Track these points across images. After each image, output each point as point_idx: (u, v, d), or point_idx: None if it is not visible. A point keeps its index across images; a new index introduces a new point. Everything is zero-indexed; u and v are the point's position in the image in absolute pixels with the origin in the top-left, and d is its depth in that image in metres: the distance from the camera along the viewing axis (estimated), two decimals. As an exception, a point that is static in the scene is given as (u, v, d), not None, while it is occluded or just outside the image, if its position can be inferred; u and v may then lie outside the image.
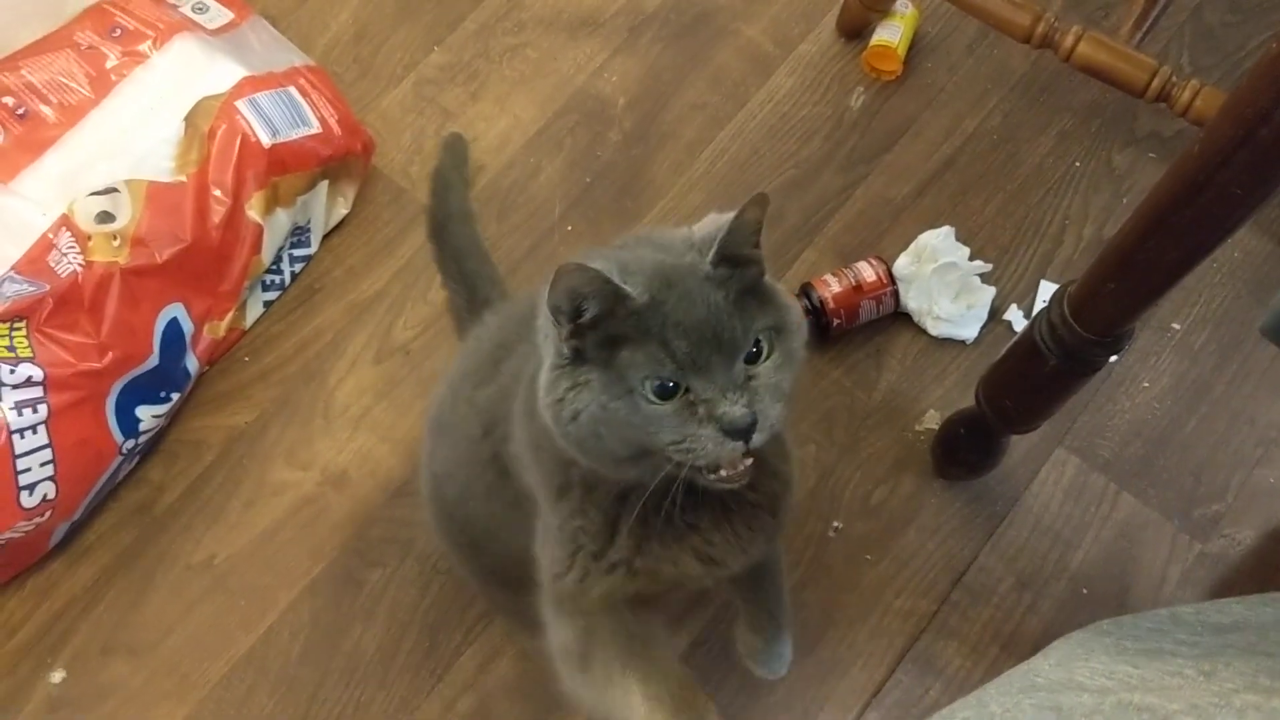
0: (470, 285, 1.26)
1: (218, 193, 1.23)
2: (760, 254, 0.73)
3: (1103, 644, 0.55)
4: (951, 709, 0.56)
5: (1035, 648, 1.21)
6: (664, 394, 0.69)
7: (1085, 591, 1.23)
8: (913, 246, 1.35)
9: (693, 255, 0.72)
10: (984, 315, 1.33)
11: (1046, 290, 1.36)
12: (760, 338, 0.71)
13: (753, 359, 0.71)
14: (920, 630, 1.22)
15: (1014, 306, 1.35)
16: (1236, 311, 1.37)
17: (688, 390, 0.69)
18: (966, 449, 1.22)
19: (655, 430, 0.69)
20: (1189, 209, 0.79)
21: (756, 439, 0.69)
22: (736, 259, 0.71)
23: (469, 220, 1.33)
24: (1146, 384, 1.33)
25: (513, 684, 1.20)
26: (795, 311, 0.75)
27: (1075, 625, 1.23)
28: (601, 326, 0.69)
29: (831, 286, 1.31)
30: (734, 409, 0.68)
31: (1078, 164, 1.45)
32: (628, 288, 0.67)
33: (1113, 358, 1.01)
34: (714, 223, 0.74)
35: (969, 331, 1.33)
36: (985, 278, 1.35)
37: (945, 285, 1.31)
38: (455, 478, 1.00)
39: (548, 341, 0.74)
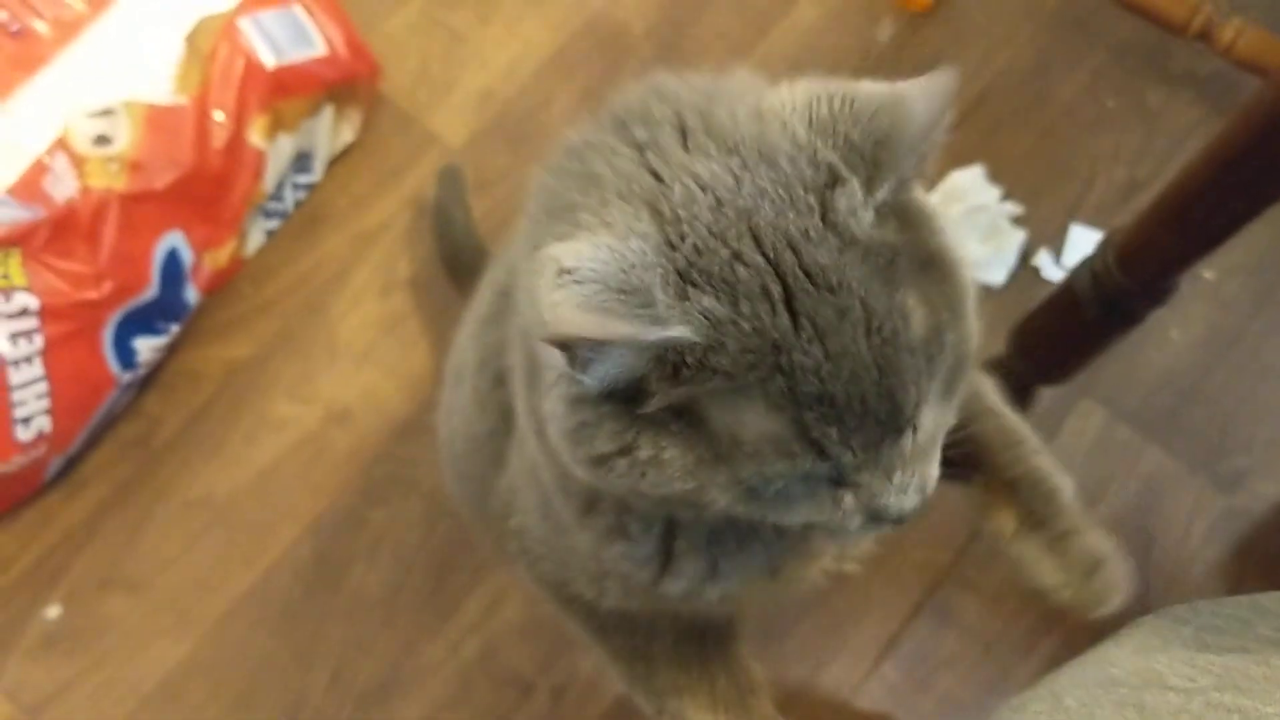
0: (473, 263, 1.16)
1: (219, 116, 1.18)
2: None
3: (1180, 634, 0.52)
4: (1023, 699, 0.53)
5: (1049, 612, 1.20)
6: (796, 489, 0.46)
7: (1108, 545, 1.21)
8: (942, 186, 1.30)
9: (823, 194, 0.43)
10: (1013, 259, 1.29)
11: (1076, 235, 1.31)
12: (933, 362, 0.45)
13: (923, 402, 0.46)
14: (938, 581, 1.19)
15: (1043, 251, 1.31)
16: (1271, 261, 1.33)
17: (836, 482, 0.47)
18: (994, 399, 1.19)
19: (768, 516, 0.49)
20: (1258, 157, 0.74)
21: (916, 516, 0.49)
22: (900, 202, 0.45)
23: (479, 250, 1.21)
24: (1175, 334, 1.29)
25: (520, 627, 1.17)
26: (968, 278, 0.50)
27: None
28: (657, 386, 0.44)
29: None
30: (902, 500, 0.47)
31: (1110, 103, 1.40)
32: (685, 332, 0.41)
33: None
34: (833, 99, 0.46)
35: (997, 276, 1.29)
36: (1015, 221, 1.31)
37: (974, 227, 1.27)
38: (464, 432, 0.87)
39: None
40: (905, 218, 0.46)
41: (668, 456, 0.44)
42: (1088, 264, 0.95)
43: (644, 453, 0.44)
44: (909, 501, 0.46)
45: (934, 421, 0.48)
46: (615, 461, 0.45)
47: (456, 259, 1.24)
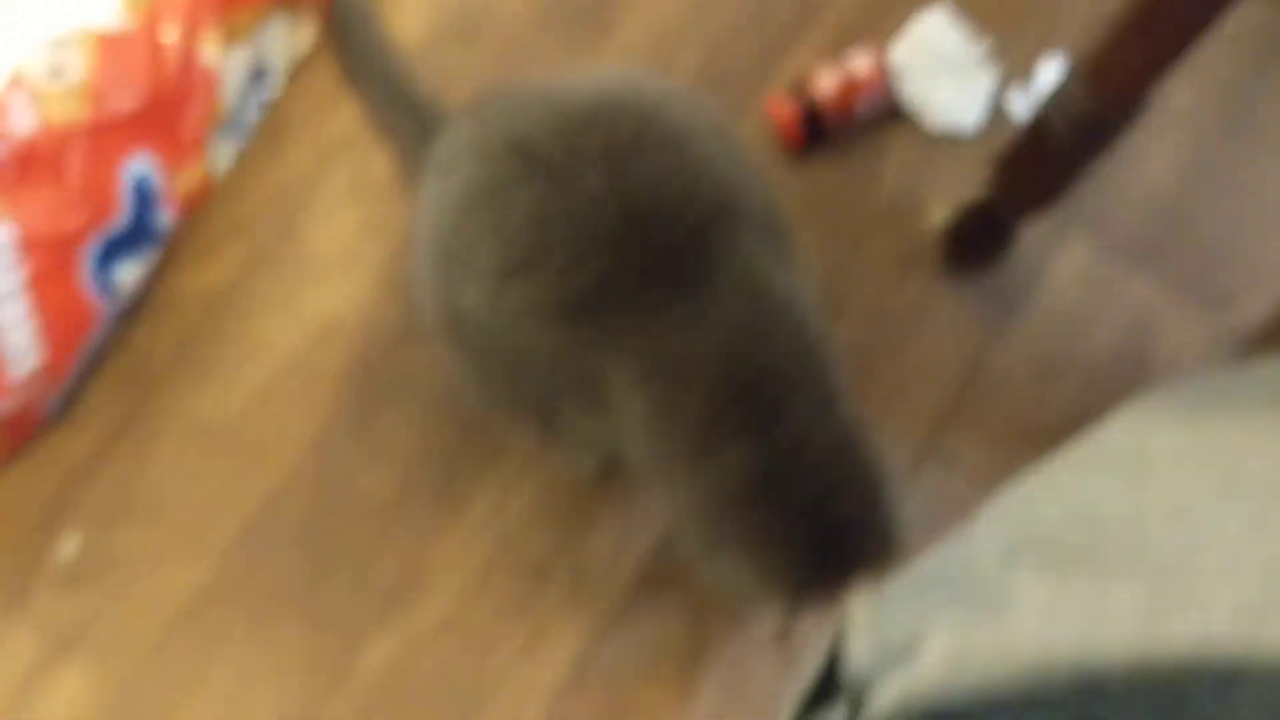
0: (421, 121, 1.10)
1: (170, 36, 1.16)
2: None
3: (1169, 405, 0.53)
4: (1028, 477, 0.54)
5: (1057, 434, 1.21)
6: None
7: (1102, 376, 1.22)
8: (909, 31, 1.29)
9: None
10: (985, 103, 1.28)
11: (1047, 72, 1.30)
12: None
13: None
14: (938, 427, 1.21)
15: (1014, 94, 1.30)
16: (1240, 82, 1.33)
17: None
18: (977, 239, 1.20)
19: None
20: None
21: None
22: None
23: (389, 49, 1.14)
24: (1154, 163, 1.29)
25: (534, 513, 1.19)
26: None
27: (1095, 411, 1.23)
28: None
29: (825, 86, 1.25)
30: None
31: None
32: None
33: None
34: None
35: (970, 122, 1.28)
36: (983, 62, 1.30)
37: (944, 73, 1.26)
38: (491, 327, 0.89)
39: None
40: None
41: None
42: (1058, 91, 0.94)
43: None
44: None
45: None
46: None
47: (364, 64, 1.16)
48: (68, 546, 1.19)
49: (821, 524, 0.78)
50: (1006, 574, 0.45)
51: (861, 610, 0.55)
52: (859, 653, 0.50)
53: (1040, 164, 1.02)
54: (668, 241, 0.79)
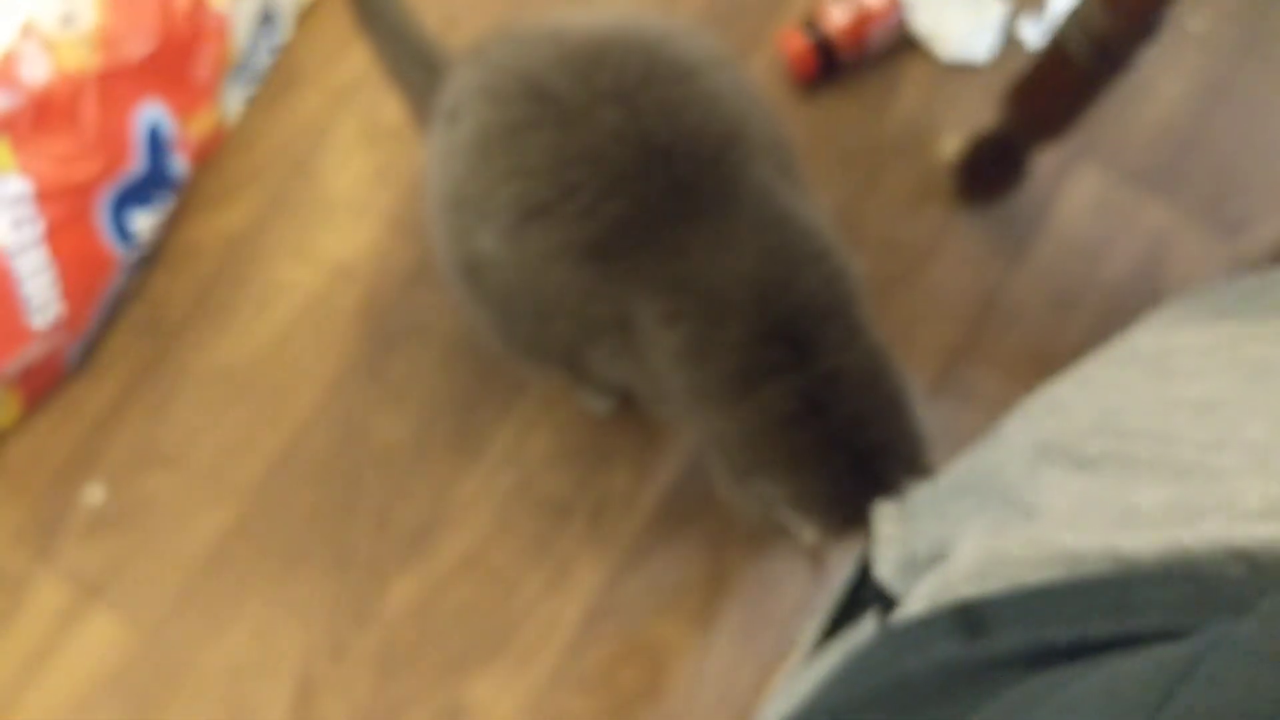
0: (421, 57, 1.06)
1: (179, -21, 1.16)
2: None
3: (1199, 307, 0.53)
4: (1058, 381, 0.54)
5: (1071, 363, 1.21)
6: None
7: (1117, 304, 1.22)
8: (919, -41, 1.28)
9: None
10: (997, 31, 1.27)
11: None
12: None
13: None
14: (953, 359, 1.21)
15: (1025, 22, 1.29)
16: (1255, 6, 1.32)
17: None
18: (991, 168, 1.19)
19: None
20: None
21: None
22: None
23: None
24: (1167, 88, 1.29)
25: (552, 453, 1.20)
26: None
27: (1109, 337, 1.23)
28: None
29: (837, 18, 1.24)
30: None
31: None
32: None
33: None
34: None
35: (982, 51, 1.27)
36: (994, -11, 1.29)
37: (957, 3, 1.25)
38: (513, 271, 0.88)
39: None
40: None
41: None
42: (1075, 13, 0.94)
43: None
44: None
45: None
46: None
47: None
48: (93, 494, 1.20)
49: (855, 446, 0.79)
50: (1034, 476, 0.45)
51: (888, 521, 0.55)
52: (887, 561, 0.51)
53: (1056, 90, 1.01)
54: (686, 175, 0.79)
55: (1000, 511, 0.45)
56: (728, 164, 0.80)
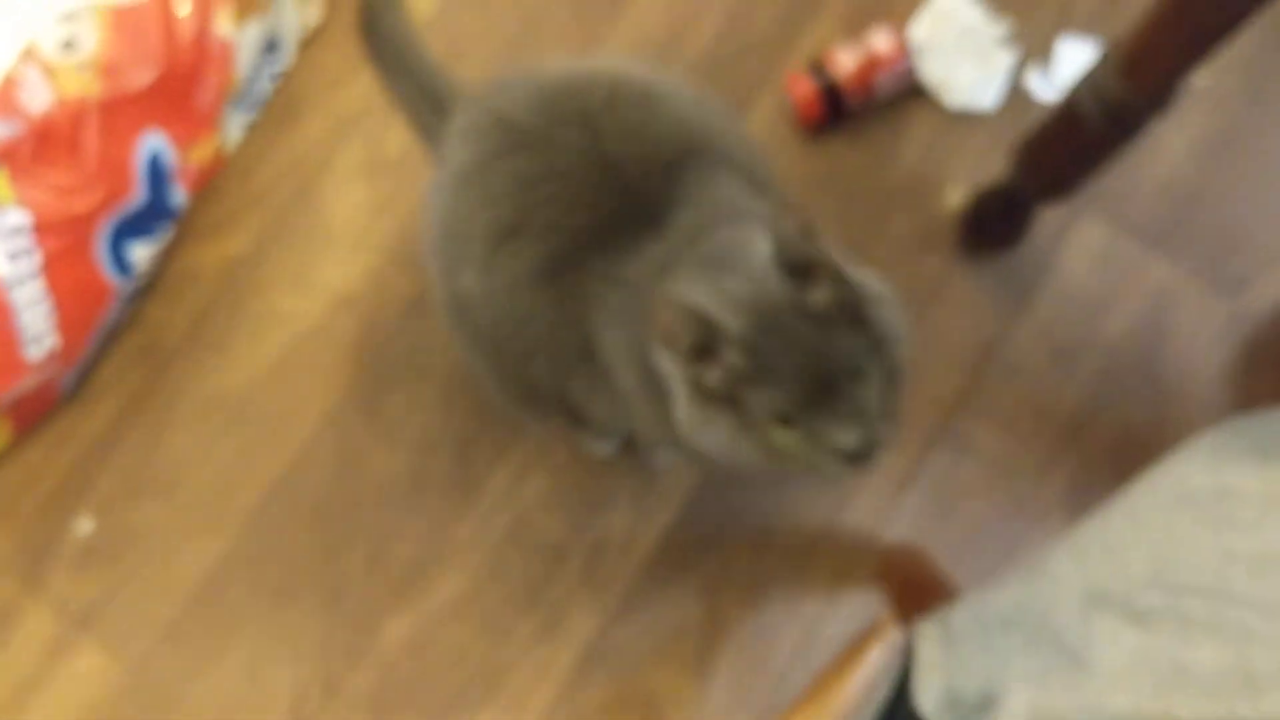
0: (433, 96, 1.03)
1: (184, 10, 1.14)
2: (828, 259, 0.71)
3: (1241, 446, 0.52)
4: (1107, 515, 0.54)
5: (1070, 419, 1.22)
6: (786, 429, 0.71)
7: (1118, 360, 1.22)
8: (929, 9, 1.27)
9: (775, 280, 0.71)
10: (1004, 82, 1.27)
11: (1066, 50, 1.29)
12: (861, 363, 0.71)
13: (860, 380, 0.71)
14: (951, 410, 1.21)
15: (1033, 73, 1.29)
16: (1259, 59, 1.32)
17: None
18: (995, 221, 1.19)
19: (783, 459, 0.73)
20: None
21: (877, 459, 0.72)
22: (805, 268, 0.70)
23: (411, 30, 1.05)
24: (1171, 143, 1.28)
25: (548, 495, 1.19)
26: (889, 318, 0.74)
27: (1109, 393, 1.24)
28: (716, 363, 0.71)
29: (845, 64, 1.24)
30: (848, 437, 0.70)
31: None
32: (731, 328, 0.69)
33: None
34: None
35: (988, 100, 1.27)
36: (1002, 41, 1.28)
37: (964, 51, 1.25)
38: (490, 305, 0.89)
39: (669, 363, 0.75)
40: (831, 300, 0.71)
41: (722, 418, 0.73)
42: (1089, 78, 0.93)
43: (712, 416, 0.74)
44: (852, 442, 0.70)
45: (876, 396, 0.71)
46: (706, 431, 0.74)
47: (378, 23, 1.05)
48: (84, 524, 1.19)
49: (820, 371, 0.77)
50: (1086, 623, 0.45)
51: (929, 644, 0.55)
52: (931, 691, 0.50)
53: (1065, 151, 1.01)
54: (640, 185, 0.81)
55: (1051, 658, 0.44)
56: (683, 173, 0.82)
